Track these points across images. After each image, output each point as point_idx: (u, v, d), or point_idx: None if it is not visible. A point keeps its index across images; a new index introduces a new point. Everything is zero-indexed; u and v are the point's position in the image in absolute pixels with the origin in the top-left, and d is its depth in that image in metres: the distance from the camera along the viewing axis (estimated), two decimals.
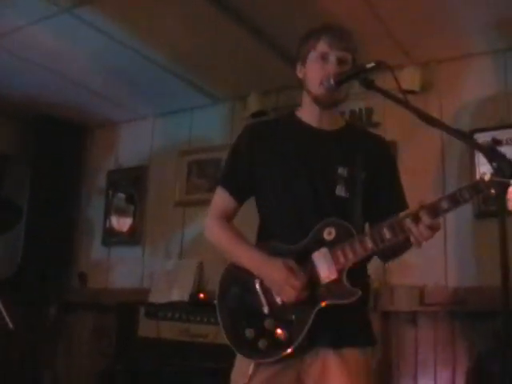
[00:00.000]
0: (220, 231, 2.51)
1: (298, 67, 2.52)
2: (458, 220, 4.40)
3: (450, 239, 4.44)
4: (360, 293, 2.20)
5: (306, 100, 2.52)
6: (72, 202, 6.53)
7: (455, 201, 2.12)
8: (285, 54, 4.64)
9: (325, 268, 2.23)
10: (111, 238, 6.33)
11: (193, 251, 5.48)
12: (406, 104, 2.09)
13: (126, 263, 6.12)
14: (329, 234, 2.28)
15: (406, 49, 4.61)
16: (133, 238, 6.14)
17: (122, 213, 6.31)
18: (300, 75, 2.51)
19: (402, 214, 2.24)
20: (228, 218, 2.54)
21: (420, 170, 4.55)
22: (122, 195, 6.33)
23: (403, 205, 2.49)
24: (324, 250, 2.25)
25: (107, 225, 6.37)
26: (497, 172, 1.86)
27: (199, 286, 5.20)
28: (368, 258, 2.35)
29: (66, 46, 4.83)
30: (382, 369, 4.36)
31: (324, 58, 2.38)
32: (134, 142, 6.44)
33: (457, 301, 4.24)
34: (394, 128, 4.81)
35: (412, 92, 4.56)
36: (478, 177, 3.89)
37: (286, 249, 2.33)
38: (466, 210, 4.40)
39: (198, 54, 4.90)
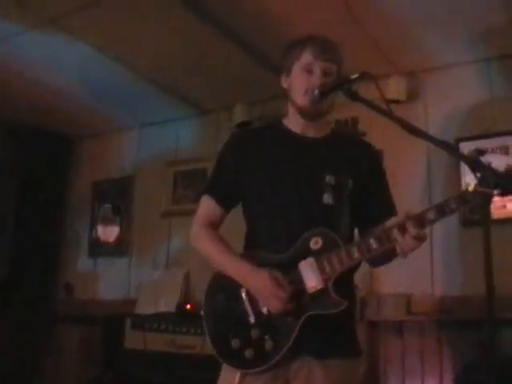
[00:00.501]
0: (206, 240, 2.46)
1: (283, 78, 2.50)
2: (444, 228, 4.41)
3: (437, 248, 4.45)
4: (346, 303, 2.17)
5: (291, 110, 2.50)
6: (58, 213, 6.50)
7: (442, 211, 2.12)
8: (270, 64, 4.64)
9: (311, 278, 2.21)
10: (97, 248, 6.31)
11: (179, 261, 5.47)
12: (389, 115, 2.09)
13: (113, 274, 6.10)
14: (315, 243, 2.25)
15: (392, 58, 4.63)
16: (119, 248, 6.13)
17: (108, 223, 6.29)
18: (285, 85, 2.49)
19: (388, 224, 2.26)
20: (214, 227, 2.50)
21: (406, 178, 4.57)
22: (108, 206, 6.32)
23: (392, 210, 2.48)
24: (310, 260, 2.22)
25: (93, 236, 6.36)
26: (481, 182, 1.86)
27: (186, 296, 5.19)
28: (355, 268, 2.34)
29: (51, 58, 4.83)
30: (370, 378, 4.35)
31: (309, 69, 2.36)
32: (120, 153, 6.43)
33: (443, 310, 4.25)
34: (380, 137, 4.79)
35: (398, 101, 4.58)
36: (463, 185, 3.94)
37: (272, 258, 2.30)
38: (452, 218, 4.34)
39: (184, 65, 4.90)
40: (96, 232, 6.35)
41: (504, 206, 4.17)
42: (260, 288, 2.24)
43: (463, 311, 4.15)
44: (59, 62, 4.92)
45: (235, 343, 2.26)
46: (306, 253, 2.25)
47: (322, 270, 2.20)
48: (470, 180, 2.05)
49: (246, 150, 2.50)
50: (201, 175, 5.52)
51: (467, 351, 4.07)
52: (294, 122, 2.50)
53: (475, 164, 1.87)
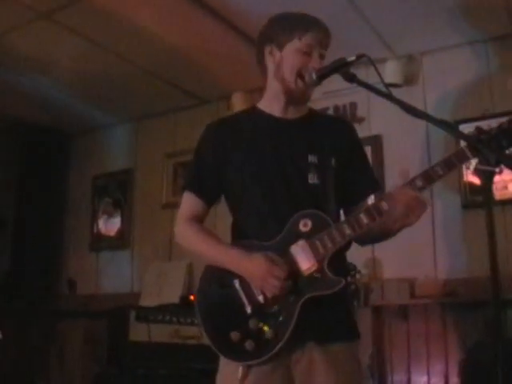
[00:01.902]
0: (192, 234, 2.38)
1: (268, 49, 2.39)
2: (446, 211, 4.42)
3: (439, 231, 4.46)
4: (344, 282, 2.15)
5: (272, 89, 2.42)
6: (58, 208, 6.49)
7: (429, 178, 2.09)
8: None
9: (305, 260, 2.16)
10: (99, 242, 6.31)
11: (182, 252, 5.42)
12: (389, 96, 2.06)
13: (115, 268, 6.11)
14: (304, 225, 2.20)
15: (389, 42, 4.62)
16: (121, 242, 6.13)
17: (109, 217, 6.29)
18: (271, 59, 2.39)
19: (377, 198, 2.21)
20: (199, 222, 2.41)
21: (405, 163, 4.55)
22: (108, 200, 6.31)
23: (376, 185, 2.46)
24: (301, 242, 2.18)
25: (95, 230, 6.35)
26: (482, 160, 1.84)
27: (189, 288, 5.18)
28: (346, 247, 2.29)
29: (46, 53, 4.82)
30: (375, 363, 4.35)
31: (308, 51, 2.30)
32: (119, 146, 6.43)
33: (447, 292, 4.25)
34: (379, 122, 4.83)
35: (395, 85, 4.57)
36: (463, 167, 3.91)
37: (262, 246, 2.23)
38: (454, 200, 4.42)
39: (181, 55, 4.89)
40: (97, 226, 6.35)
41: (505, 187, 4.16)
42: (255, 270, 2.17)
43: (467, 293, 4.15)
44: (55, 57, 4.90)
45: (234, 336, 2.18)
46: (297, 236, 2.20)
47: (314, 250, 2.16)
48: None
49: (224, 140, 2.42)
50: None
51: (472, 333, 4.08)
52: (272, 104, 2.43)
53: (476, 142, 1.86)
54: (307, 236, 2.19)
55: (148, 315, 4.63)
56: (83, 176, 6.56)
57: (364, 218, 2.13)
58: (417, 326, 4.39)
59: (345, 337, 2.26)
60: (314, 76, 2.25)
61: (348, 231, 2.14)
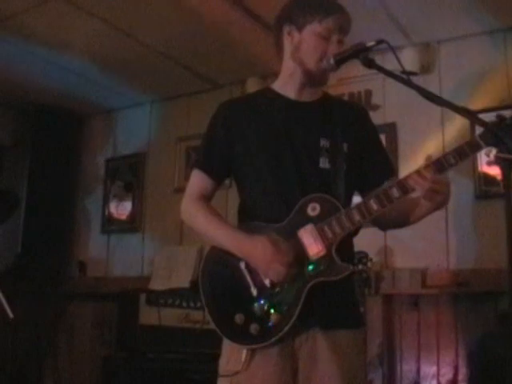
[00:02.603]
0: (197, 213, 2.38)
1: (287, 30, 2.36)
2: (458, 201, 4.39)
3: (451, 221, 4.43)
4: (352, 268, 2.15)
5: (289, 70, 2.41)
6: (70, 190, 6.50)
7: (441, 166, 2.06)
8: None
9: (312, 245, 2.15)
10: (110, 225, 6.31)
11: (193, 237, 5.43)
12: (407, 82, 2.04)
13: (126, 251, 6.12)
14: (313, 209, 2.19)
15: (406, 30, 4.58)
16: (132, 225, 6.13)
17: (120, 200, 6.29)
18: (289, 40, 2.37)
19: (387, 184, 2.19)
20: (207, 200, 2.42)
21: (420, 151, 4.54)
22: (120, 183, 6.31)
23: (391, 171, 2.45)
24: (310, 227, 2.16)
25: (106, 213, 6.35)
26: (502, 148, 1.82)
27: None
28: (354, 233, 2.28)
29: (60, 33, 4.80)
30: (385, 352, 4.35)
31: (327, 36, 2.27)
32: (132, 129, 6.41)
33: (459, 283, 4.23)
34: (394, 110, 4.80)
35: (412, 73, 4.52)
36: (478, 155, 3.88)
37: (269, 228, 2.22)
38: (467, 191, 4.39)
39: (196, 39, 4.86)
40: (109, 209, 6.35)
41: None
42: (259, 255, 2.15)
43: (479, 284, 4.14)
44: (69, 38, 4.88)
45: (239, 319, 2.17)
46: (305, 220, 2.18)
47: (323, 235, 2.15)
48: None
49: (236, 119, 2.41)
50: None
51: (483, 324, 4.06)
52: (286, 85, 2.42)
53: (496, 130, 1.83)
54: (316, 220, 2.17)
55: (158, 299, 4.64)
56: (96, 158, 6.56)
57: (374, 205, 2.12)
58: (427, 315, 4.38)
59: (350, 324, 2.26)
60: (332, 61, 2.23)
61: (357, 217, 2.13)
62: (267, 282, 2.17)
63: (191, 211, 2.41)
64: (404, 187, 2.08)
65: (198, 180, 2.43)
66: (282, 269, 2.10)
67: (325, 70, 2.30)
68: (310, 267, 2.15)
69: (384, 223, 2.41)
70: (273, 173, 2.29)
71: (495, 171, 4.26)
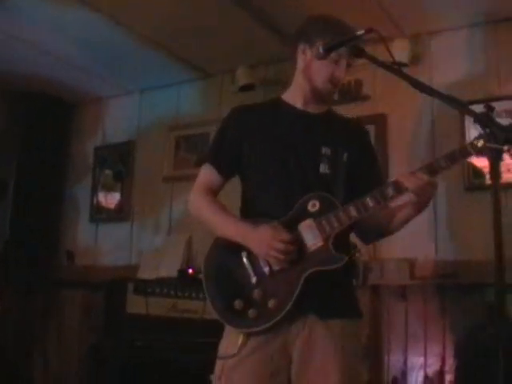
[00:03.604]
0: (204, 204, 2.55)
1: (302, 47, 2.54)
2: (448, 193, 4.40)
3: (440, 212, 4.44)
4: (346, 258, 2.27)
5: (299, 80, 2.58)
6: (59, 178, 6.47)
7: (433, 169, 2.21)
8: (273, 26, 4.60)
9: (311, 237, 2.30)
10: (99, 214, 6.29)
11: (182, 226, 5.45)
12: (398, 71, 2.04)
13: (114, 240, 6.10)
14: (313, 206, 2.34)
15: (396, 21, 4.56)
16: (121, 214, 6.11)
17: (109, 189, 6.27)
18: (302, 56, 2.54)
19: (385, 184, 2.32)
20: (214, 194, 2.58)
21: (410, 142, 4.54)
22: (109, 171, 6.29)
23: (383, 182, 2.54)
24: (309, 221, 2.32)
25: (94, 201, 6.33)
26: (490, 138, 1.83)
27: (188, 262, 5.18)
28: (351, 229, 2.43)
29: (51, 21, 4.77)
30: (372, 343, 4.36)
31: (337, 59, 2.44)
32: (121, 118, 6.38)
33: (447, 274, 4.24)
34: (384, 101, 4.80)
35: (402, 64, 4.50)
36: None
37: (271, 222, 2.36)
38: (456, 182, 4.39)
39: (186, 27, 4.84)
40: (97, 198, 6.32)
41: (509, 170, 4.12)
42: (261, 237, 2.31)
43: (467, 276, 4.15)
44: (59, 25, 4.85)
45: (238, 304, 2.31)
46: (305, 215, 2.34)
47: (321, 229, 2.29)
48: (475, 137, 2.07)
49: (247, 122, 2.60)
50: (203, 139, 5.45)
51: (470, 315, 4.07)
52: (295, 97, 2.60)
53: (485, 119, 1.83)
54: (315, 216, 2.33)
55: (146, 288, 4.63)
56: (85, 146, 6.53)
57: (370, 202, 2.26)
58: (415, 306, 4.39)
59: (346, 314, 2.39)
60: (321, 49, 2.27)
61: (354, 213, 2.28)
62: (266, 270, 2.33)
63: (198, 203, 2.58)
64: (398, 187, 2.23)
65: (206, 174, 2.60)
66: (281, 246, 2.25)
67: (330, 90, 2.53)
68: (308, 257, 2.30)
69: (366, 233, 2.60)
70: (277, 175, 2.47)
71: (484, 163, 4.26)
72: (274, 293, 2.29)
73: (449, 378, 4.11)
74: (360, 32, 2.14)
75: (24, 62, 5.52)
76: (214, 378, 2.40)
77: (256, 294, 2.31)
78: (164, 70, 5.69)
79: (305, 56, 2.52)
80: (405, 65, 4.52)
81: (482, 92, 4.36)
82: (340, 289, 2.38)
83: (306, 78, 2.53)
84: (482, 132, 2.00)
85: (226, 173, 2.59)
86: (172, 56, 5.38)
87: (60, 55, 5.39)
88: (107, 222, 6.23)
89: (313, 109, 2.58)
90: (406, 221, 2.43)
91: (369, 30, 2.13)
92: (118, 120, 6.40)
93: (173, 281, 4.87)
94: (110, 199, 6.24)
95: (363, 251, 4.35)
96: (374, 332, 4.39)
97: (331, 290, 2.32)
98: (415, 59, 4.71)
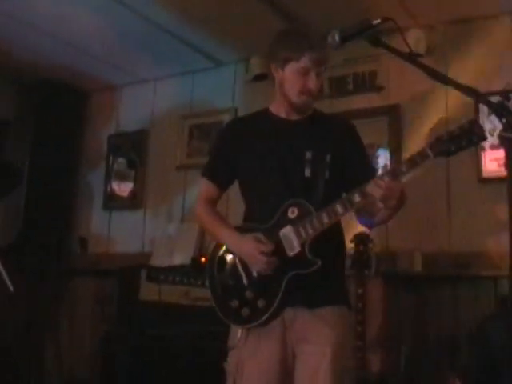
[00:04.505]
0: (204, 215, 2.86)
1: (274, 67, 2.70)
2: (461, 184, 4.39)
3: (453, 203, 4.43)
4: (320, 263, 2.49)
5: (279, 96, 2.76)
6: (73, 166, 6.49)
7: (394, 174, 2.36)
8: (288, 15, 4.58)
9: (290, 243, 2.54)
10: (112, 202, 6.31)
11: (194, 215, 5.44)
12: (414, 60, 2.03)
13: (127, 228, 6.13)
14: (292, 212, 2.58)
15: (412, 11, 4.54)
16: (134, 202, 6.13)
17: (122, 177, 6.29)
18: (276, 75, 2.71)
19: (352, 190, 2.46)
20: (213, 202, 2.89)
21: (424, 132, 4.52)
22: (122, 160, 6.30)
23: (371, 174, 2.62)
24: (288, 228, 2.56)
25: (108, 189, 6.35)
26: (506, 128, 1.82)
27: (201, 250, 5.19)
28: (334, 229, 2.63)
29: (65, 9, 4.77)
30: (385, 334, 4.36)
31: (305, 72, 2.59)
32: (135, 106, 6.39)
33: (459, 265, 4.23)
34: (398, 91, 4.78)
35: (417, 55, 4.48)
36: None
37: (257, 228, 2.62)
38: (470, 174, 4.38)
39: (200, 16, 4.84)
40: (111, 186, 6.34)
41: None
42: (246, 248, 2.58)
43: (479, 267, 4.15)
44: (73, 13, 4.85)
45: (234, 304, 2.62)
46: (285, 222, 2.58)
47: (298, 235, 2.54)
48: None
49: (238, 136, 2.85)
50: (217, 128, 5.47)
51: (483, 306, 4.07)
52: (279, 107, 2.79)
53: (501, 109, 1.83)
54: (294, 222, 2.56)
55: (159, 275, 4.66)
56: (98, 135, 6.54)
57: (339, 209, 2.47)
58: (427, 297, 4.39)
59: (332, 302, 2.63)
60: (337, 38, 2.24)
61: (325, 219, 2.50)
62: (255, 274, 2.60)
63: (200, 213, 2.89)
64: (364, 193, 2.40)
65: (205, 186, 2.92)
66: (263, 258, 2.51)
67: (305, 102, 2.67)
68: (287, 262, 2.54)
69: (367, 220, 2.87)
70: (264, 182, 2.72)
71: (498, 154, 4.25)
72: (262, 293, 2.56)
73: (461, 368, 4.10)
74: (376, 21, 2.14)
75: (38, 50, 5.53)
76: (228, 366, 2.68)
77: (247, 294, 2.60)
78: (178, 58, 5.69)
79: (277, 75, 2.70)
80: (420, 55, 4.50)
81: (499, 83, 4.34)
82: (324, 281, 2.57)
83: (282, 94, 2.72)
84: (446, 132, 2.24)
85: (221, 185, 2.89)
86: (186, 45, 5.37)
87: (74, 43, 5.39)
88: (120, 210, 6.25)
89: (296, 116, 2.76)
90: (389, 217, 2.61)
91: (385, 19, 2.14)
92: (131, 108, 6.40)
93: (186, 268, 4.88)
94: (124, 187, 6.26)
95: (376, 242, 4.35)
96: (386, 323, 4.39)
97: (314, 285, 2.54)
98: (430, 49, 4.68)
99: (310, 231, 2.51)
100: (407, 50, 2.16)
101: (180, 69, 5.95)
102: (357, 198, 2.42)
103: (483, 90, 4.26)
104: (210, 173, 2.91)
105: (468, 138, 2.26)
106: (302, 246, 2.52)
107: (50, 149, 6.10)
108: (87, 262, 6.07)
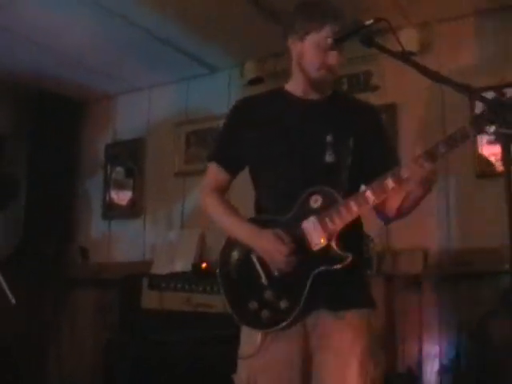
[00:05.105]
0: (214, 205, 2.57)
1: (291, 39, 2.49)
2: (460, 181, 4.40)
3: (453, 200, 4.44)
4: (351, 258, 2.24)
5: (296, 72, 2.53)
6: (71, 177, 6.50)
7: (432, 156, 2.16)
8: (281, 18, 4.58)
9: (314, 236, 2.28)
10: (111, 211, 6.32)
11: (194, 221, 5.45)
12: (407, 60, 2.04)
13: (127, 236, 6.13)
14: (315, 201, 2.32)
15: (404, 9, 4.55)
16: (133, 210, 6.14)
17: (121, 186, 6.29)
18: (294, 48, 2.50)
19: (384, 175, 2.25)
20: (222, 191, 2.61)
21: (420, 132, 4.53)
22: (120, 169, 6.31)
23: (395, 161, 2.47)
24: (312, 219, 2.30)
25: (107, 199, 6.35)
26: (501, 124, 1.82)
27: (201, 256, 5.19)
28: (359, 222, 2.42)
29: (58, 20, 4.78)
30: (386, 332, 4.36)
31: (325, 45, 2.37)
32: (131, 115, 6.40)
33: (460, 262, 4.23)
34: (394, 91, 4.79)
35: (410, 53, 4.50)
36: (478, 139, 3.87)
37: (276, 221, 2.38)
38: (468, 170, 4.39)
39: (194, 23, 4.86)
40: (109, 195, 6.35)
41: None
42: (264, 246, 2.33)
43: (480, 263, 4.14)
44: (66, 25, 4.86)
45: (252, 305, 2.35)
46: (308, 212, 2.32)
47: (324, 227, 2.27)
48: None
49: (251, 117, 2.57)
50: (213, 134, 5.47)
51: (485, 303, 4.06)
52: (296, 86, 2.55)
53: (496, 105, 1.83)
54: (318, 212, 2.30)
55: (160, 283, 4.65)
56: (95, 144, 6.55)
57: (370, 196, 2.23)
58: (429, 295, 4.39)
59: (357, 304, 2.36)
60: (331, 40, 2.29)
61: (355, 208, 2.25)
62: (276, 272, 2.33)
63: (207, 203, 2.60)
64: (398, 178, 2.18)
65: (213, 173, 2.63)
66: (282, 259, 2.27)
67: (326, 77, 2.44)
68: (313, 257, 2.28)
69: (384, 214, 2.49)
70: (282, 167, 2.44)
71: (496, 150, 4.25)
72: (285, 294, 2.31)
73: (464, 365, 4.10)
74: (369, 22, 2.14)
75: (33, 61, 5.53)
76: (237, 378, 2.43)
77: (268, 294, 2.34)
78: (172, 66, 5.70)
79: (295, 47, 2.48)
80: (413, 54, 4.52)
81: (491, 79, 4.35)
82: (350, 280, 2.34)
83: (300, 69, 2.49)
84: (481, 111, 2.02)
85: (233, 170, 2.61)
86: (180, 52, 5.38)
87: (69, 53, 5.40)
88: (120, 219, 6.25)
89: (315, 95, 2.53)
90: (412, 208, 2.38)
91: (378, 20, 2.14)
92: (127, 117, 6.41)
93: (187, 275, 4.88)
94: (122, 196, 6.27)
95: (376, 241, 4.36)
96: (389, 322, 4.38)
97: (340, 284, 2.30)
98: (424, 48, 4.70)
99: (338, 221, 2.25)
100: (403, 47, 2.15)
101: (175, 76, 5.95)
102: (390, 183, 2.20)
103: (478, 85, 4.29)
104: (221, 156, 2.63)
105: None
106: (329, 239, 2.26)
107: (47, 159, 6.12)
108: (88, 271, 6.06)
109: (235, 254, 2.47)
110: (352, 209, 2.25)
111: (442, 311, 4.32)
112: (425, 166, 2.14)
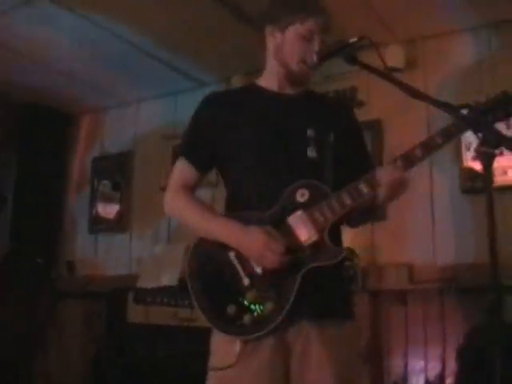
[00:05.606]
0: (184, 204, 2.38)
1: (271, 29, 2.40)
2: (445, 196, 4.42)
3: (438, 216, 4.45)
4: (345, 252, 2.17)
5: (272, 65, 2.45)
6: (58, 190, 6.49)
7: (428, 147, 2.22)
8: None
9: (304, 231, 2.15)
10: (98, 225, 6.30)
11: (181, 235, 5.44)
12: (391, 78, 2.05)
13: (114, 250, 6.12)
14: (302, 195, 2.19)
15: (390, 26, 4.58)
16: (120, 224, 6.13)
17: (108, 200, 6.28)
18: (272, 40, 2.41)
19: (373, 170, 2.20)
20: (191, 191, 2.42)
21: (406, 148, 4.52)
22: (107, 182, 6.30)
23: (371, 164, 2.44)
24: (299, 213, 2.17)
25: (93, 212, 6.34)
26: (482, 143, 1.84)
27: None
28: (342, 220, 2.29)
29: (46, 33, 4.80)
30: (372, 347, 4.36)
31: (309, 37, 2.30)
32: (119, 128, 6.41)
33: (446, 278, 4.24)
34: (379, 107, 4.81)
35: (396, 70, 4.53)
36: (463, 151, 3.91)
37: (259, 216, 2.22)
38: (453, 185, 4.41)
39: (181, 37, 4.88)
40: (96, 208, 6.33)
41: (505, 173, 4.14)
42: (253, 245, 2.14)
43: (466, 279, 4.14)
44: (55, 38, 4.88)
45: (231, 310, 2.14)
46: (294, 206, 2.19)
47: (314, 221, 2.15)
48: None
49: (222, 111, 2.42)
50: None
51: (470, 319, 4.07)
52: (271, 80, 2.45)
53: (477, 124, 1.85)
54: (305, 206, 2.18)
55: (146, 297, 4.64)
56: (83, 157, 6.55)
57: (363, 188, 2.15)
58: (415, 311, 4.38)
59: (341, 316, 2.25)
60: (315, 58, 2.25)
61: (348, 201, 2.15)
62: (259, 270, 2.16)
63: (176, 202, 2.40)
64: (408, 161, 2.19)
65: (181, 170, 2.43)
66: (275, 258, 2.10)
67: (306, 71, 2.35)
68: (304, 253, 2.14)
69: (352, 217, 2.38)
70: (262, 163, 2.30)
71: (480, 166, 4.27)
72: (270, 294, 2.13)
73: (449, 381, 4.10)
74: (353, 40, 2.14)
75: (21, 73, 5.54)
76: None
77: (249, 296, 2.15)
78: (160, 80, 5.72)
79: (274, 38, 2.39)
80: (399, 70, 4.54)
81: (477, 95, 4.36)
82: (334, 288, 2.25)
83: (278, 61, 2.40)
84: (482, 103, 2.09)
85: (203, 167, 2.44)
86: (168, 67, 5.40)
87: (57, 66, 5.42)
88: (106, 233, 6.24)
89: (291, 91, 2.43)
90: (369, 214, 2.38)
91: (361, 38, 2.13)
92: (115, 131, 6.42)
93: (173, 289, 4.86)
94: (109, 210, 6.25)
95: (361, 256, 4.37)
96: (374, 337, 4.38)
97: (326, 289, 2.19)
98: (410, 64, 4.73)
99: (329, 215, 2.14)
100: (387, 65, 2.16)
101: (162, 90, 5.97)
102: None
103: (462, 102, 4.31)
104: (190, 151, 2.43)
105: (504, 108, 2.07)
106: (320, 233, 2.13)
107: (35, 172, 6.11)
108: (75, 284, 6.04)
109: (208, 256, 2.26)
110: (345, 202, 2.14)
111: (428, 326, 4.32)
112: (400, 168, 2.15)
